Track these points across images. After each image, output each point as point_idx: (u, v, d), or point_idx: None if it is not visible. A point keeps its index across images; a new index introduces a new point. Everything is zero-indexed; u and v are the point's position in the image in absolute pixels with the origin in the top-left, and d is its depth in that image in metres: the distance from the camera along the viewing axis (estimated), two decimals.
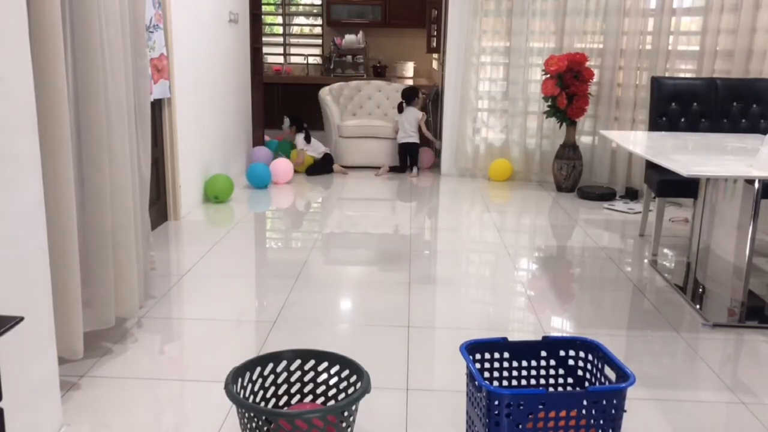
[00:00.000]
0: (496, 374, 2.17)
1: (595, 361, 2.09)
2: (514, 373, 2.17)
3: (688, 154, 3.55)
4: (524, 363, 2.17)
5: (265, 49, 8.21)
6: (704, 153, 3.60)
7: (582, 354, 2.14)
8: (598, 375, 2.07)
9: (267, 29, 9.58)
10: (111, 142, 2.60)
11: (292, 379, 2.20)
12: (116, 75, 2.61)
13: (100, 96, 2.50)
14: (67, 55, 2.38)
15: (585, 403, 1.86)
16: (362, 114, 7.37)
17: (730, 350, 2.93)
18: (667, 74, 5.62)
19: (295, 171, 6.52)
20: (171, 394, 2.46)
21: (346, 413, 1.93)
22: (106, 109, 2.55)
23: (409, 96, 6.77)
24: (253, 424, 1.88)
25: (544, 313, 3.27)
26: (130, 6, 2.78)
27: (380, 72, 9.06)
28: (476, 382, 1.87)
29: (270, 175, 5.88)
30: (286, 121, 6.93)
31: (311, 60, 9.69)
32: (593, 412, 1.85)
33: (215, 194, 5.20)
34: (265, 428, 1.86)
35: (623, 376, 1.91)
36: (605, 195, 5.73)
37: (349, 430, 1.97)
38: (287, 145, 6.95)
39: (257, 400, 2.13)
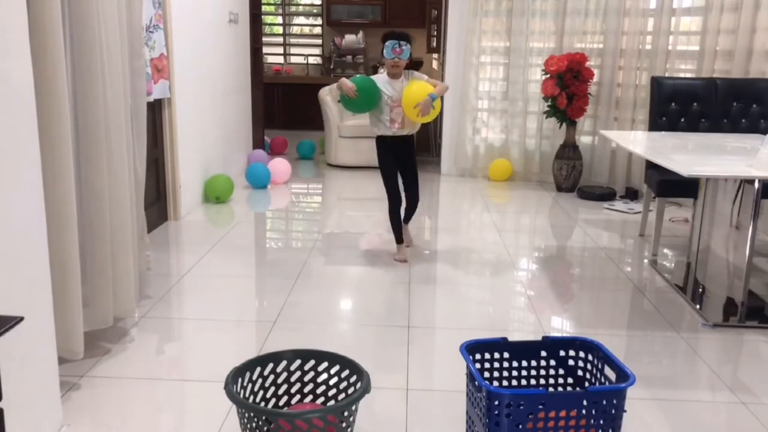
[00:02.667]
0: (496, 374, 2.16)
1: (595, 361, 2.09)
2: (514, 373, 2.17)
3: (688, 154, 3.55)
4: (524, 363, 2.17)
5: (265, 49, 8.21)
6: (704, 153, 3.60)
7: (582, 354, 2.14)
8: (598, 375, 2.07)
9: (267, 29, 9.58)
10: (109, 143, 2.60)
11: (292, 379, 2.20)
12: (114, 75, 2.61)
13: (98, 96, 2.49)
14: (66, 55, 2.38)
15: (585, 403, 1.85)
16: (362, 114, 7.37)
17: (730, 350, 2.93)
18: (667, 74, 5.62)
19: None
20: (171, 394, 2.45)
21: (346, 413, 1.93)
22: (105, 109, 2.55)
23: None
24: (253, 424, 1.88)
25: (544, 313, 3.27)
26: (126, 6, 2.78)
27: None
28: (476, 382, 1.87)
29: (269, 175, 5.88)
30: (406, 50, 3.72)
31: (311, 60, 9.69)
32: (593, 412, 1.85)
33: (216, 195, 5.19)
34: (265, 428, 1.86)
35: (623, 376, 1.91)
36: (605, 195, 5.72)
37: (349, 430, 1.97)
38: (371, 83, 3.75)
39: (257, 400, 2.13)
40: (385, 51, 3.71)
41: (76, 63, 2.44)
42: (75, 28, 2.41)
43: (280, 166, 6.05)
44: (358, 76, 3.84)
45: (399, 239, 4.04)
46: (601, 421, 1.86)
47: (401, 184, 4.00)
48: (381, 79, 3.84)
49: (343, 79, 3.74)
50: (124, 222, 2.71)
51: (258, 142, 7.01)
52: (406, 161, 3.96)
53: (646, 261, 4.12)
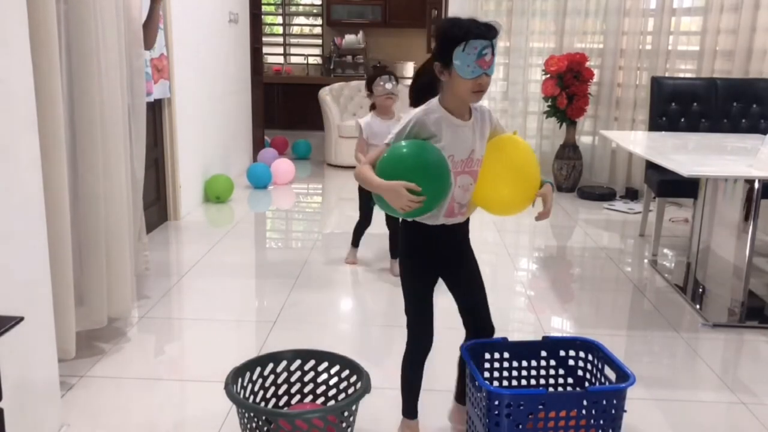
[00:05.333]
0: (496, 374, 2.16)
1: (595, 361, 2.09)
2: (514, 373, 2.17)
3: (688, 154, 3.55)
4: (524, 363, 2.17)
5: (265, 49, 8.20)
6: (704, 153, 3.60)
7: (582, 354, 2.14)
8: (598, 375, 2.07)
9: (267, 29, 9.57)
10: (105, 143, 2.59)
11: (292, 379, 2.20)
12: (111, 75, 2.61)
13: (94, 96, 2.49)
14: (62, 53, 2.37)
15: (585, 403, 1.85)
16: (362, 114, 7.37)
17: (730, 350, 2.93)
18: (667, 74, 5.61)
19: None
20: (171, 394, 2.45)
21: (346, 413, 1.93)
22: (101, 109, 2.55)
23: None
24: (253, 424, 1.88)
25: (544, 313, 3.26)
26: (125, 6, 2.78)
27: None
28: (476, 382, 1.87)
29: (270, 176, 5.88)
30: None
31: (311, 60, 9.69)
32: (593, 412, 1.85)
33: (217, 195, 5.19)
34: (265, 428, 1.86)
35: (623, 376, 1.91)
36: (605, 195, 5.72)
37: (349, 430, 1.97)
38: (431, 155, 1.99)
39: (257, 400, 2.13)
40: (461, 63, 1.77)
41: (72, 62, 2.43)
42: (71, 27, 2.41)
43: (284, 166, 6.04)
44: (403, 148, 1.90)
45: (409, 411, 2.10)
46: (601, 421, 1.86)
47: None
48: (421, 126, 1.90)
49: (371, 180, 1.85)
50: (120, 221, 2.70)
51: (258, 142, 7.01)
52: (460, 263, 2.23)
53: (646, 261, 4.12)
